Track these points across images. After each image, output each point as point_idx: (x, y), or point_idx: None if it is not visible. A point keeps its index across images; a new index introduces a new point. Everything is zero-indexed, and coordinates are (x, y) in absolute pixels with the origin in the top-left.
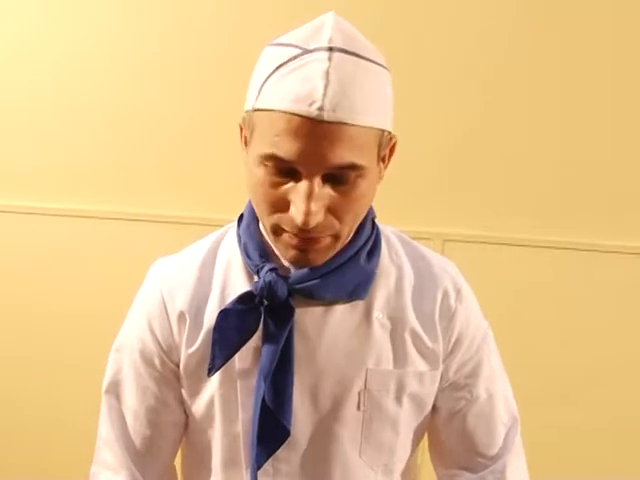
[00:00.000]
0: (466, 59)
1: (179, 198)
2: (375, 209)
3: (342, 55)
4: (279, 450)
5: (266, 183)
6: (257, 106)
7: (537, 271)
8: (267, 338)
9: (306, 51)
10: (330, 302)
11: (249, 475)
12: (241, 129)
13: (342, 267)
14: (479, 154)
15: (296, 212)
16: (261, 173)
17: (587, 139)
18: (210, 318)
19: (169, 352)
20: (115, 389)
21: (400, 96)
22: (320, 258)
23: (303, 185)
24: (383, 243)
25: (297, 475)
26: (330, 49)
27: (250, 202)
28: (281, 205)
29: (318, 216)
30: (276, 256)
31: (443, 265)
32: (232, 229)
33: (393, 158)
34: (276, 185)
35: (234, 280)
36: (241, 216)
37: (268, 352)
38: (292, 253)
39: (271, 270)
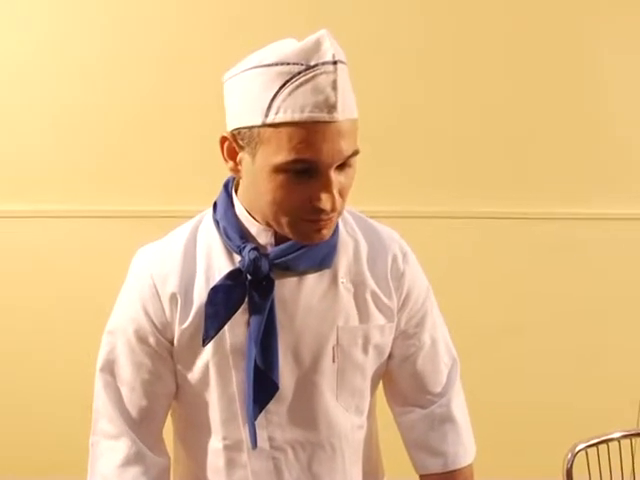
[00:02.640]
0: (389, 41)
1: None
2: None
3: (341, 65)
4: (270, 404)
5: (287, 186)
6: (269, 121)
7: (460, 241)
8: (253, 308)
9: (309, 67)
10: (302, 272)
11: (247, 428)
12: (224, 142)
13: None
14: (401, 132)
15: (325, 201)
16: (281, 179)
17: (502, 115)
18: (199, 295)
19: (163, 330)
20: (110, 367)
21: None
22: (329, 233)
23: (325, 178)
24: (339, 219)
25: (286, 424)
26: (334, 62)
27: (224, 191)
28: (301, 200)
29: (338, 199)
30: (253, 237)
31: (390, 234)
32: (207, 216)
33: None
34: (296, 185)
35: (216, 260)
36: (215, 204)
37: (255, 321)
38: (313, 236)
39: (253, 249)
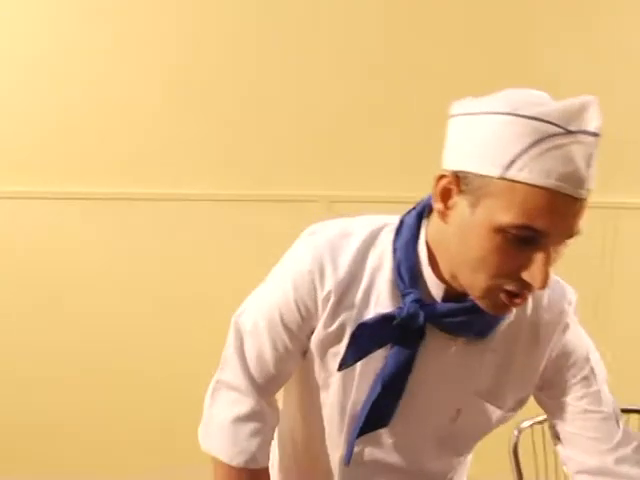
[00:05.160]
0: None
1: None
2: (260, 175)
3: (599, 139)
4: (374, 433)
5: (502, 250)
6: (509, 176)
7: None
8: (394, 352)
9: (568, 132)
10: (456, 336)
11: (345, 440)
12: (441, 180)
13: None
14: (360, 117)
15: (538, 277)
16: (498, 240)
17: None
18: (352, 307)
19: (308, 321)
20: (248, 329)
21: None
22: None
23: (546, 252)
24: None
25: (381, 453)
26: (595, 134)
27: (415, 219)
28: (511, 269)
29: (549, 277)
30: (423, 282)
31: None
32: (387, 232)
33: (278, 125)
34: (512, 251)
35: (379, 286)
36: (399, 226)
37: (392, 364)
38: (503, 308)
39: (416, 301)
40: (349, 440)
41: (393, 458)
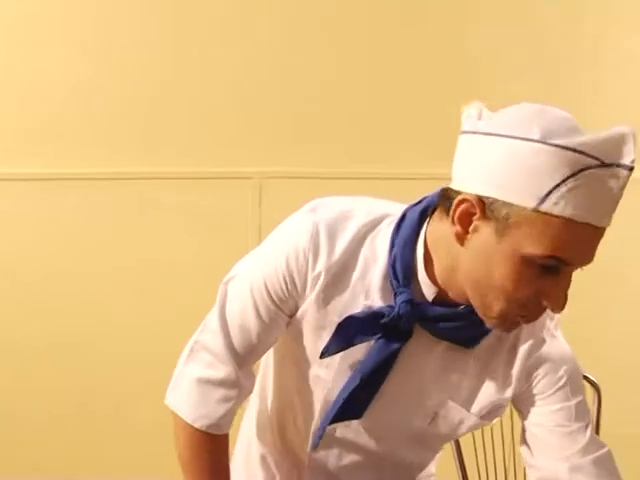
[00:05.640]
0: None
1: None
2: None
3: (632, 172)
4: (344, 424)
5: (526, 277)
6: (543, 209)
7: None
8: (377, 347)
9: (604, 164)
10: (442, 339)
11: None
12: (462, 204)
13: (472, 316)
14: (292, 93)
15: (559, 302)
16: (523, 269)
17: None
18: (342, 293)
19: (294, 298)
20: (233, 300)
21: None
22: None
23: (566, 279)
24: None
25: (349, 445)
26: (630, 169)
27: (416, 214)
28: (530, 294)
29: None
30: (417, 282)
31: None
32: (387, 224)
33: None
34: (534, 278)
35: (372, 278)
36: (400, 221)
37: (372, 360)
38: (511, 328)
39: (407, 302)
40: (321, 425)
41: (364, 444)
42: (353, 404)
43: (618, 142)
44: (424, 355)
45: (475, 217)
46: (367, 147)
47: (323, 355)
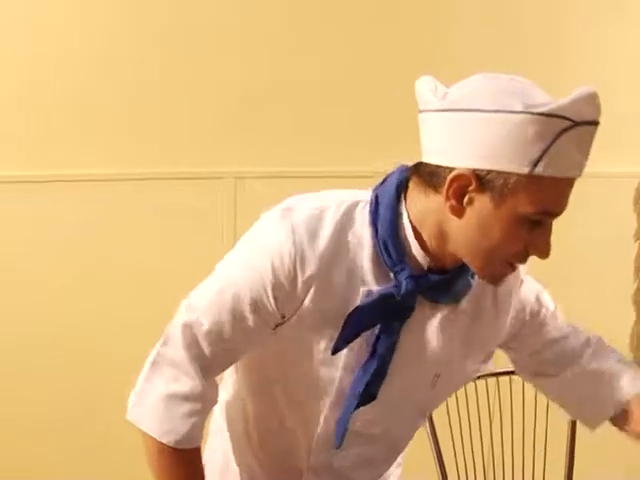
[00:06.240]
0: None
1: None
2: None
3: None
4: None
5: (518, 233)
6: (536, 173)
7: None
8: (387, 329)
9: (576, 123)
10: (437, 302)
11: (327, 417)
12: (458, 179)
13: (463, 275)
14: (265, 92)
15: (544, 249)
16: (517, 227)
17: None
18: (336, 290)
19: (282, 307)
20: (204, 311)
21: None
22: None
23: (549, 228)
24: None
25: (361, 427)
26: (597, 123)
27: (394, 195)
28: (520, 247)
29: None
30: (410, 257)
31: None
32: (361, 210)
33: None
34: (525, 233)
35: (362, 265)
36: (375, 205)
37: (384, 341)
38: (502, 279)
39: (410, 277)
40: (343, 417)
41: (371, 429)
42: (368, 388)
43: (588, 102)
44: (423, 323)
45: (470, 189)
46: (343, 146)
47: (336, 351)
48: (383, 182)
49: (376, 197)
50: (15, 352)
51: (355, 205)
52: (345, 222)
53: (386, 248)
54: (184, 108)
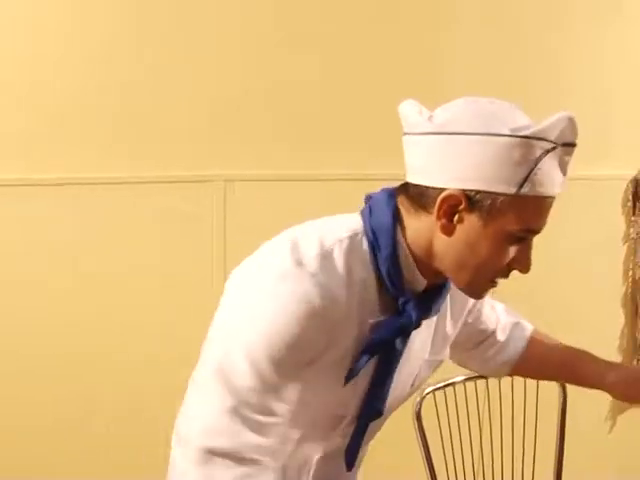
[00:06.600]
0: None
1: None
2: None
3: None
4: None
5: (504, 250)
6: (522, 193)
7: (314, 203)
8: (392, 349)
9: (556, 145)
10: None
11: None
12: (449, 200)
13: (447, 287)
14: (254, 94)
15: (526, 264)
16: (503, 244)
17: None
18: (351, 328)
19: (312, 356)
20: (252, 383)
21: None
22: None
23: (530, 244)
24: None
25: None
26: (575, 145)
27: (386, 226)
28: (504, 263)
29: None
30: (408, 282)
31: None
32: (361, 243)
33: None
34: (510, 250)
35: (370, 298)
36: (373, 237)
37: (391, 360)
38: (483, 294)
39: (417, 306)
40: (353, 442)
41: (369, 437)
42: (379, 404)
43: (568, 125)
44: (417, 337)
45: (460, 209)
46: (333, 149)
47: (347, 382)
48: (372, 210)
49: (372, 230)
50: (13, 353)
51: (354, 239)
52: (353, 261)
53: (390, 279)
54: (174, 112)
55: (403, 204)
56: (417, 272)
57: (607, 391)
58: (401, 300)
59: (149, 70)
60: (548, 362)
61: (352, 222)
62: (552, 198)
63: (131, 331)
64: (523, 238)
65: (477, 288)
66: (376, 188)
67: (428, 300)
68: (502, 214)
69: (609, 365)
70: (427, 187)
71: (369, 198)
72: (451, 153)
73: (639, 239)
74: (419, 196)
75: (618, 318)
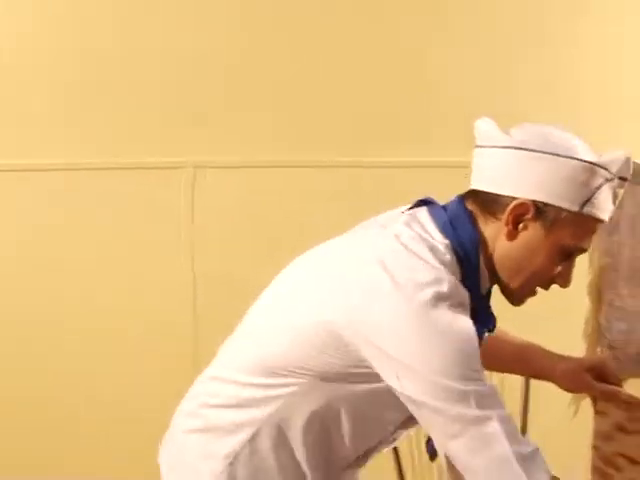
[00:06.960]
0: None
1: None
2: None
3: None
4: None
5: (555, 262)
6: (586, 212)
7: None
8: None
9: (614, 177)
10: None
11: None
12: (521, 207)
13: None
14: (224, 80)
15: (567, 280)
16: (557, 256)
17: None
18: None
19: None
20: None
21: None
22: None
23: (573, 262)
24: None
25: None
26: (627, 180)
27: (471, 246)
28: (552, 275)
29: None
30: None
31: None
32: (450, 263)
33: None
34: (559, 263)
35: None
36: (464, 252)
37: None
38: (525, 300)
39: (486, 310)
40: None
41: None
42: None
43: (626, 162)
44: None
45: (527, 217)
46: (299, 135)
47: None
48: (453, 225)
49: (461, 246)
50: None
51: (445, 261)
52: (455, 289)
53: (474, 288)
54: (144, 97)
55: (473, 211)
56: (487, 278)
57: (556, 383)
58: (483, 306)
59: (120, 53)
60: (502, 357)
61: (430, 234)
62: (602, 222)
63: (93, 319)
64: (571, 255)
65: (524, 294)
66: (343, 176)
67: (488, 306)
68: (562, 228)
69: (559, 358)
70: (498, 195)
71: (431, 204)
72: (526, 167)
73: (603, 228)
74: (490, 202)
75: (583, 305)
